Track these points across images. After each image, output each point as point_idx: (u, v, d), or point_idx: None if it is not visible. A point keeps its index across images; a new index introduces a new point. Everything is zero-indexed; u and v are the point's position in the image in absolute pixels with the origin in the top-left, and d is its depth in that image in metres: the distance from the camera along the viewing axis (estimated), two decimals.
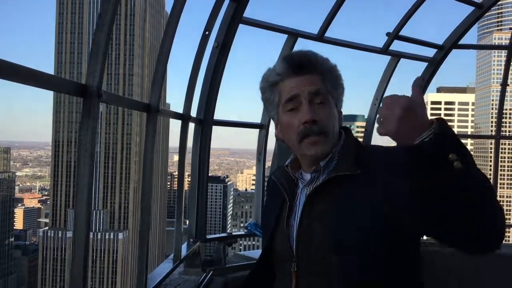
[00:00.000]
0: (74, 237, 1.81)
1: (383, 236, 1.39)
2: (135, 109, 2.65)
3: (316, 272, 1.47)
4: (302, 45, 4.68)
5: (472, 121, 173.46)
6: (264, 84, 1.62)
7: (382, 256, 1.40)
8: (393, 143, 1.31)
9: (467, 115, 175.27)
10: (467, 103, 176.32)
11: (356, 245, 1.40)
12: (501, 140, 5.98)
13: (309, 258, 1.49)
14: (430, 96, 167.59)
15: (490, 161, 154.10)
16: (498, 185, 6.08)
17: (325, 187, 1.50)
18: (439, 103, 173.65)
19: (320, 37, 4.59)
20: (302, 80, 1.53)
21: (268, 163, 4.71)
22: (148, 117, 2.67)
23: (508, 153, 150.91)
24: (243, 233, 4.69)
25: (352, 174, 1.46)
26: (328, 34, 4.64)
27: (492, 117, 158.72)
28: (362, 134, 5.68)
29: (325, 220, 1.47)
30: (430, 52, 5.51)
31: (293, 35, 4.45)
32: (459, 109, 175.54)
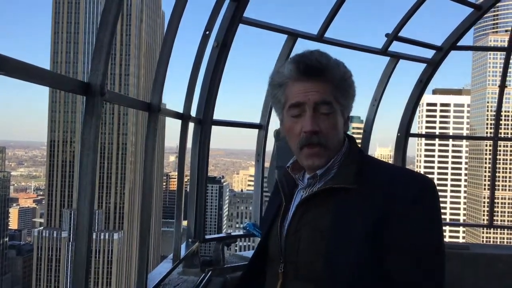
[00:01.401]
0: (77, 234, 1.80)
1: (370, 251, 1.37)
2: (137, 108, 2.64)
3: (302, 277, 1.46)
4: (302, 45, 4.68)
5: (468, 123, 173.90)
6: (272, 80, 1.57)
7: (368, 268, 1.37)
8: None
9: (462, 117, 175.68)
10: (462, 105, 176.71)
11: (343, 256, 1.38)
12: (498, 142, 6.01)
13: (296, 262, 1.47)
14: (425, 98, 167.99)
15: (485, 162, 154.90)
16: (499, 187, 6.09)
17: (319, 196, 1.48)
18: (435, 105, 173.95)
19: (319, 37, 4.60)
20: (310, 87, 1.47)
21: (267, 164, 4.71)
22: (149, 116, 2.66)
23: (503, 155, 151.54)
24: (241, 233, 4.68)
25: (349, 188, 1.43)
26: (328, 34, 4.65)
27: (487, 119, 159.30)
28: (360, 136, 5.69)
29: (316, 227, 1.45)
30: (429, 53, 5.53)
31: (293, 35, 4.46)
32: (455, 111, 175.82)
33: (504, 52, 5.94)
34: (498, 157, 6.52)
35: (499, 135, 6.10)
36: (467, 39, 5.64)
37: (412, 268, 1.36)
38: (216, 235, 4.36)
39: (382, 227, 1.37)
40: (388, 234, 1.37)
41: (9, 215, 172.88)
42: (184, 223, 3.93)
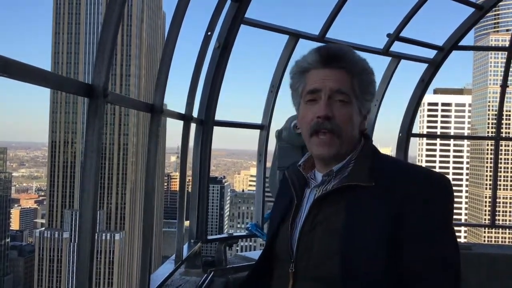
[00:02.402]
0: (79, 237, 1.80)
1: (385, 250, 1.36)
2: (139, 110, 2.64)
3: (314, 277, 1.44)
4: (303, 46, 4.68)
5: (469, 123, 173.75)
6: (293, 69, 1.58)
7: (384, 268, 1.36)
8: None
9: (463, 117, 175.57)
10: (463, 105, 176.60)
11: (359, 254, 1.37)
12: (500, 141, 6.00)
13: (308, 262, 1.45)
14: (427, 97, 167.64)
15: (487, 162, 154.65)
16: (497, 187, 6.08)
17: (335, 194, 1.46)
18: (436, 104, 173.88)
19: (321, 38, 4.60)
20: (329, 74, 1.47)
21: (268, 164, 4.71)
22: (152, 117, 2.66)
23: (505, 154, 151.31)
24: (243, 234, 4.68)
25: (365, 185, 1.42)
26: (329, 35, 4.66)
27: (488, 119, 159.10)
28: None
29: (330, 226, 1.43)
30: (431, 53, 5.53)
31: (295, 35, 4.46)
32: (456, 111, 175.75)
33: (506, 52, 5.93)
34: (499, 156, 6.51)
35: (501, 134, 6.09)
36: (467, 39, 5.64)
37: (429, 266, 1.36)
38: (218, 236, 4.36)
39: (399, 225, 1.36)
40: (405, 233, 1.36)
41: (11, 215, 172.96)
42: (186, 223, 3.93)
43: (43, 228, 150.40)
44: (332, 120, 1.45)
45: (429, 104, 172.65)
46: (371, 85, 1.54)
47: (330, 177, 1.50)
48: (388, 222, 1.36)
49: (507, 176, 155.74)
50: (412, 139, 5.89)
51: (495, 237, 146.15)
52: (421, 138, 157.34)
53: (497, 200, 6.10)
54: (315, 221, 1.47)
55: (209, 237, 4.12)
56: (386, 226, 1.36)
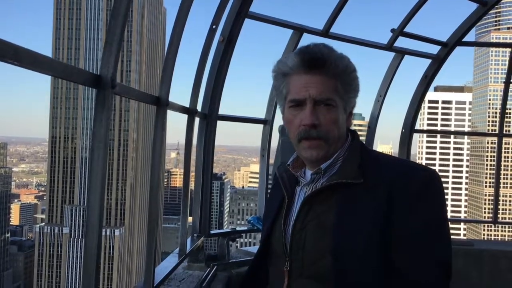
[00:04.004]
0: (87, 230, 1.79)
1: (378, 246, 1.36)
2: (145, 102, 2.63)
3: (308, 275, 1.44)
4: (307, 41, 4.66)
5: (469, 120, 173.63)
6: (275, 71, 1.55)
7: (376, 265, 1.36)
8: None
9: (464, 114, 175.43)
10: (464, 102, 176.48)
11: (350, 252, 1.37)
12: (503, 138, 5.99)
13: (302, 260, 1.45)
14: (427, 95, 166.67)
15: (487, 160, 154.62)
16: (501, 184, 6.07)
17: (324, 191, 1.46)
18: (436, 102, 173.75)
19: (325, 32, 4.59)
20: (311, 81, 1.45)
21: (271, 160, 4.71)
22: (157, 110, 2.65)
23: (505, 152, 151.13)
24: (246, 228, 4.68)
25: (354, 182, 1.42)
26: (333, 30, 4.64)
27: (489, 116, 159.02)
28: (363, 133, 5.67)
29: (321, 224, 1.44)
30: (434, 49, 5.51)
31: (299, 30, 4.45)
32: (456, 108, 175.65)
33: (509, 48, 5.92)
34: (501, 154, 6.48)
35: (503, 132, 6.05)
36: (469, 36, 5.61)
37: (421, 260, 1.36)
38: (221, 230, 4.36)
39: (389, 221, 1.36)
40: (395, 228, 1.37)
41: (11, 211, 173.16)
42: (189, 218, 3.92)
43: (43, 224, 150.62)
44: (319, 128, 1.44)
45: (430, 101, 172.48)
46: (354, 82, 1.51)
47: (319, 175, 1.50)
48: (378, 219, 1.36)
49: (506, 174, 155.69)
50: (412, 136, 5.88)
51: (494, 235, 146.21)
52: (421, 136, 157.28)
53: (502, 198, 6.09)
54: (306, 219, 1.47)
55: (212, 232, 4.12)
56: (377, 223, 1.36)
